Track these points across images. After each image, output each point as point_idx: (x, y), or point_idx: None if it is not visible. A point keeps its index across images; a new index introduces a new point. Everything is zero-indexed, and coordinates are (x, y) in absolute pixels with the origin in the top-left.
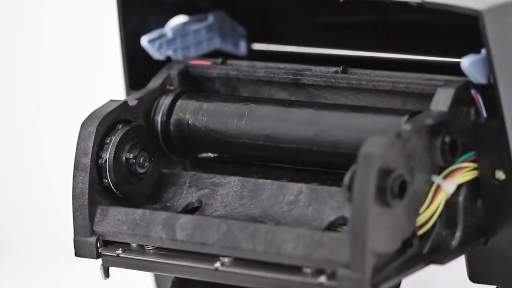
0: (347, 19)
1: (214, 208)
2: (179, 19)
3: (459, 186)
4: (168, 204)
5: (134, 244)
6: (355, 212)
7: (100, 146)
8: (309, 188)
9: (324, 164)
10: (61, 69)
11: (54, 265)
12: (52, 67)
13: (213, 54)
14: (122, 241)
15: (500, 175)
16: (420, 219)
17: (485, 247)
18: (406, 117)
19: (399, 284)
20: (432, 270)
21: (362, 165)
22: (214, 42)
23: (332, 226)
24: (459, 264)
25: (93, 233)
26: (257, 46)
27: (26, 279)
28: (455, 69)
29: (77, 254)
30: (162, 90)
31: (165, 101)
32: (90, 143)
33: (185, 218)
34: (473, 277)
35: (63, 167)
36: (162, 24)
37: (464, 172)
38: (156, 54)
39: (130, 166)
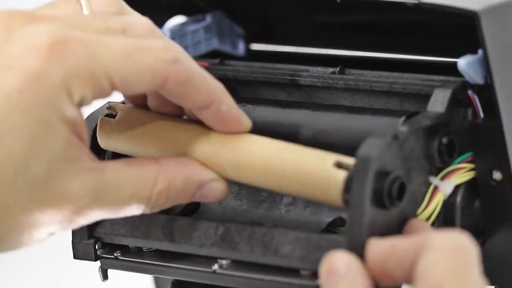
0: (345, 19)
1: (212, 210)
2: (177, 20)
3: (457, 187)
4: None
5: (132, 246)
6: (352, 214)
7: (99, 148)
8: None
9: None
10: None
11: (54, 265)
12: None
13: (211, 54)
14: (121, 243)
15: (497, 175)
16: None
17: (483, 248)
18: (403, 118)
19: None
20: None
21: (359, 167)
22: (212, 43)
23: (330, 227)
24: None
25: (91, 235)
26: (256, 46)
27: (26, 279)
28: (454, 69)
29: (75, 256)
30: None
31: None
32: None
33: (183, 220)
34: None
35: None
36: (160, 24)
37: (461, 173)
38: None
39: None
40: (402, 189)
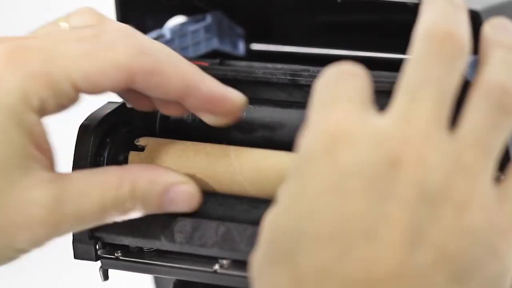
0: (345, 19)
1: (213, 210)
2: (177, 20)
3: None
4: None
5: (133, 246)
6: None
7: (98, 148)
8: None
9: None
10: None
11: (54, 265)
12: None
13: (211, 54)
14: (121, 243)
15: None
16: None
17: None
18: None
19: None
20: None
21: None
22: (212, 43)
23: None
24: None
25: (92, 235)
26: (256, 46)
27: (26, 279)
28: None
29: (76, 256)
30: None
31: None
32: (89, 146)
33: (184, 220)
34: None
35: (61, 171)
36: (160, 24)
37: None
38: None
39: None
40: None
